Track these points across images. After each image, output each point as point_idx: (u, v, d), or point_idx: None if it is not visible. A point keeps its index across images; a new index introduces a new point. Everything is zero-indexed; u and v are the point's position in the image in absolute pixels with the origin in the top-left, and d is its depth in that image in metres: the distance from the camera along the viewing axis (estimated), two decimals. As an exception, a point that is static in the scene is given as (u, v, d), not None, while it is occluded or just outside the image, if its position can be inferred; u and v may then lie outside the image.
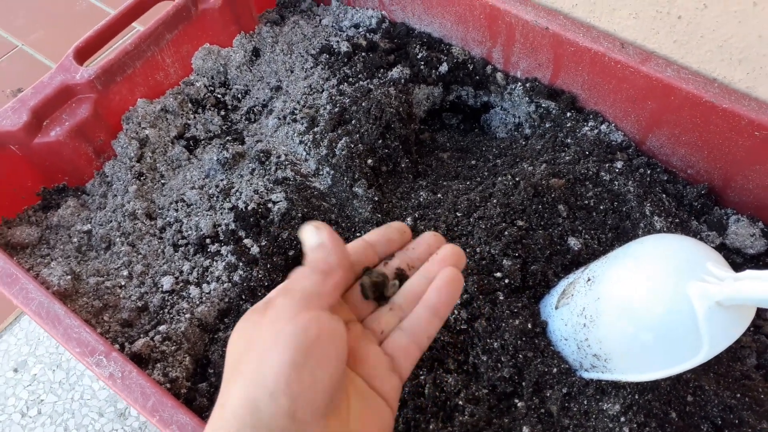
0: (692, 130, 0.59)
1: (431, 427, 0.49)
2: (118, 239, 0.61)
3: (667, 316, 0.43)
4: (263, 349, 0.28)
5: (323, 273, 0.32)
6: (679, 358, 0.43)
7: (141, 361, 0.54)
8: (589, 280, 0.49)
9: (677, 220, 0.60)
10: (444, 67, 0.70)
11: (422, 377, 0.53)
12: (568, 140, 0.65)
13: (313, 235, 0.33)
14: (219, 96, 0.72)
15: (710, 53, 0.56)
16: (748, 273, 0.41)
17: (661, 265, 0.44)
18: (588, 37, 0.60)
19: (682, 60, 0.58)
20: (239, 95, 0.72)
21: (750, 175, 0.59)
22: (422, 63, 0.70)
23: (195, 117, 0.70)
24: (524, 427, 0.49)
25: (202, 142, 0.69)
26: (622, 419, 0.47)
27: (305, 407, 0.27)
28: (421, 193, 0.64)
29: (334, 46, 0.74)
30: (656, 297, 0.44)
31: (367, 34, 0.75)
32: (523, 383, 0.51)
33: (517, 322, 0.52)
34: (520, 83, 0.68)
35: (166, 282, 0.58)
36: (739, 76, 0.56)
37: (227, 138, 0.68)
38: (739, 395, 0.51)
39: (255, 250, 0.58)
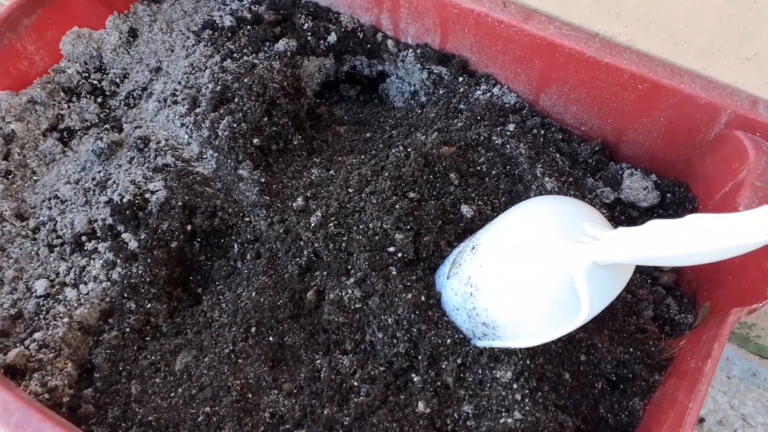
0: (580, 86, 0.59)
1: (326, 411, 0.48)
2: (-15, 244, 0.57)
3: (545, 278, 0.42)
4: None
5: None
6: (561, 320, 0.43)
7: (16, 372, 0.50)
8: (473, 248, 0.48)
9: (571, 179, 0.59)
10: (333, 37, 0.67)
11: (318, 361, 0.52)
12: (461, 106, 0.63)
13: None
14: (95, 82, 0.67)
15: (589, 8, 0.55)
16: (621, 231, 0.40)
17: (536, 228, 0.44)
18: (469, -3, 0.58)
19: (563, 16, 0.57)
20: (117, 80, 0.68)
21: (639, 128, 0.59)
22: (309, 34, 0.67)
23: (69, 106, 0.65)
24: (420, 403, 0.48)
25: (78, 132, 0.64)
26: (515, 386, 0.47)
27: None
28: (314, 170, 0.61)
29: (217, 21, 0.70)
30: (532, 261, 0.43)
31: (252, 6, 0.71)
32: (419, 357, 0.50)
33: (410, 295, 0.51)
34: (411, 50, 0.66)
35: (40, 286, 0.54)
36: (618, 29, 0.55)
37: (105, 126, 0.64)
38: (632, 350, 0.52)
39: (133, 244, 0.55)
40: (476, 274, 0.46)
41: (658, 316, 0.57)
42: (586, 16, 0.56)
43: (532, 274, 0.42)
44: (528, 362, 0.48)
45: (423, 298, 0.51)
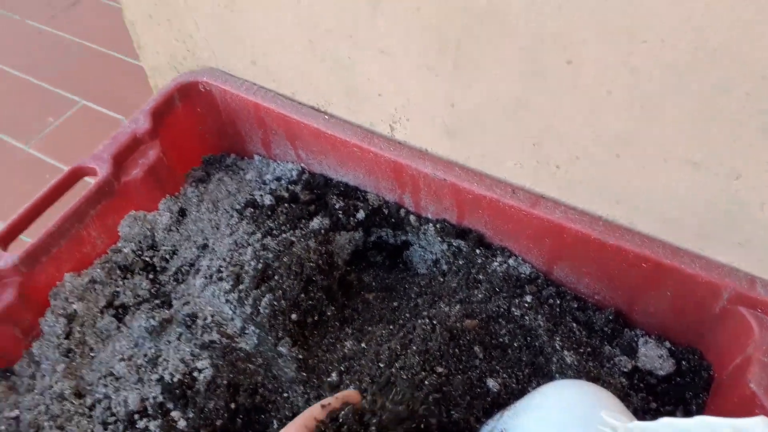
0: (590, 263, 0.64)
1: None
2: (46, 423, 0.61)
3: (570, 469, 0.45)
4: None
5: None
6: None
7: None
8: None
9: (589, 349, 0.63)
10: (361, 214, 0.74)
11: None
12: (480, 276, 0.68)
13: None
14: (147, 259, 0.74)
15: (590, 195, 0.61)
16: (636, 425, 0.43)
17: (559, 418, 0.47)
18: (482, 185, 0.65)
19: (568, 201, 0.63)
20: (167, 256, 0.75)
21: (648, 300, 0.63)
22: (340, 212, 0.74)
23: (123, 283, 0.72)
24: None
25: (131, 308, 0.70)
26: None
27: None
28: (347, 342, 0.66)
29: (258, 200, 0.77)
30: (558, 451, 0.46)
31: (289, 186, 0.79)
32: None
33: (442, 477, 0.53)
34: (431, 224, 0.73)
35: (93, 467, 0.57)
36: (619, 213, 0.61)
37: (156, 302, 0.70)
38: None
39: (182, 424, 0.59)
40: (504, 460, 0.49)
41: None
42: (588, 202, 0.62)
43: (556, 466, 0.45)
44: None
45: (454, 479, 0.53)
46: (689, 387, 0.62)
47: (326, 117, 0.72)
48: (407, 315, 0.69)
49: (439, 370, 0.60)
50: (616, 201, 0.60)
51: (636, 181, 0.57)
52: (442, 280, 0.72)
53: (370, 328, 0.68)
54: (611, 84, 0.51)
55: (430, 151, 0.68)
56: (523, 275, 0.68)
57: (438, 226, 0.72)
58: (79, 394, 0.63)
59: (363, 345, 0.65)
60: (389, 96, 0.66)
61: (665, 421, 0.42)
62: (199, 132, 0.81)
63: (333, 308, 0.69)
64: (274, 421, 0.60)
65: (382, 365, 0.61)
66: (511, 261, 0.69)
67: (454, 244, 0.71)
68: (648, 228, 0.60)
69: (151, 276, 0.74)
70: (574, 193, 0.62)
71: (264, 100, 0.75)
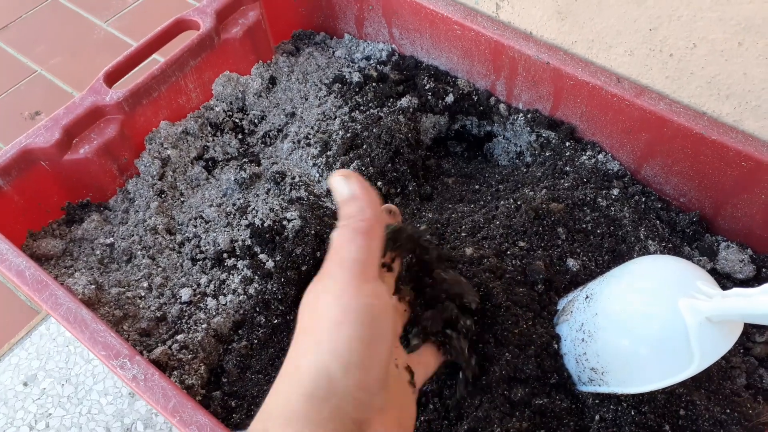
0: (684, 160, 0.63)
1: None
2: (139, 252, 0.64)
3: (661, 330, 0.46)
4: (333, 322, 0.30)
5: (365, 234, 0.31)
6: (672, 371, 0.46)
7: (159, 368, 0.56)
8: (587, 297, 0.52)
9: (670, 245, 0.63)
10: (450, 98, 0.74)
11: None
12: (567, 168, 0.68)
13: (343, 185, 0.32)
14: (237, 121, 0.76)
15: (700, 89, 0.60)
16: (735, 291, 0.44)
17: (655, 283, 0.48)
18: (586, 71, 0.64)
19: (673, 95, 0.62)
20: (256, 120, 0.76)
21: (738, 203, 0.63)
22: (429, 93, 0.74)
23: (213, 139, 0.74)
24: None
25: (220, 163, 0.72)
26: None
27: (374, 380, 0.30)
28: (428, 215, 0.67)
29: (347, 77, 0.78)
30: (650, 312, 0.47)
31: (378, 66, 0.79)
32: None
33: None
34: (521, 114, 0.72)
35: (185, 293, 0.60)
36: (726, 110, 0.60)
37: (244, 160, 0.72)
38: (728, 410, 0.54)
39: (270, 264, 0.61)
40: (590, 321, 0.50)
41: (750, 384, 0.59)
42: (696, 96, 0.61)
43: (648, 325, 0.46)
44: (631, 411, 0.51)
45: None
46: None
47: (429, -8, 0.72)
48: (488, 197, 0.70)
49: (521, 244, 0.61)
50: (726, 96, 0.59)
51: (754, 72, 0.55)
52: (525, 170, 0.72)
53: (450, 206, 0.69)
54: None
55: (534, 34, 0.67)
56: (610, 171, 0.68)
57: (529, 116, 0.72)
58: (170, 231, 0.66)
59: (444, 217, 0.66)
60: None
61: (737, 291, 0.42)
62: (294, 4, 0.81)
63: (414, 184, 0.70)
64: (356, 275, 0.62)
65: (464, 234, 0.63)
66: (600, 156, 0.68)
67: (543, 135, 0.71)
68: (754, 127, 0.59)
69: (239, 137, 0.75)
70: (682, 85, 0.61)
71: (364, -26, 0.75)
